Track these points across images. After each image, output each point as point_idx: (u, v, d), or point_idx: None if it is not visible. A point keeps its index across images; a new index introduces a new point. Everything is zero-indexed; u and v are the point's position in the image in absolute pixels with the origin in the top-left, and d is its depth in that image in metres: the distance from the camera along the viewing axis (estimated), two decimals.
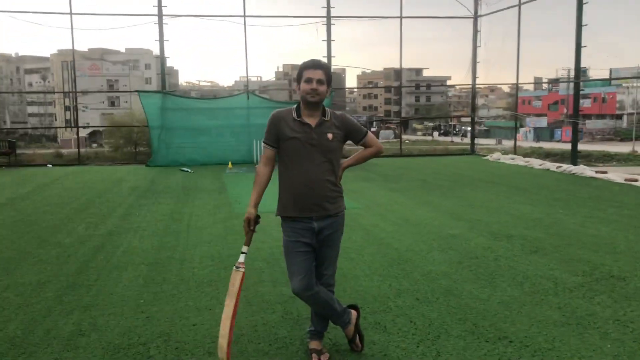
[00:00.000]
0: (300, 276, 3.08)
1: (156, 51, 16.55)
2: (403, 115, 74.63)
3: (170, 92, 17.27)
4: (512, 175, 12.18)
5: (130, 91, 27.73)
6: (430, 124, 75.08)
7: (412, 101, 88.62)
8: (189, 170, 14.00)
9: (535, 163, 14.02)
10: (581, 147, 24.87)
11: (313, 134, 3.11)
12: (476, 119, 18.99)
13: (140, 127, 22.32)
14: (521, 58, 16.24)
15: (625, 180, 10.58)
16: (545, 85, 74.52)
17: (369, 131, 3.35)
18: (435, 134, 69.43)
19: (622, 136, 58.01)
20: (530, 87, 71.30)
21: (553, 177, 11.94)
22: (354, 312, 3.41)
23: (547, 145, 47.61)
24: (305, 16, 17.54)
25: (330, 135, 3.14)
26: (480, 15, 17.04)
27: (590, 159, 32.70)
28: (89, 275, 5.08)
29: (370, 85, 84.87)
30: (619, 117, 66.16)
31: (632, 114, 62.61)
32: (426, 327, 3.75)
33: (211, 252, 5.86)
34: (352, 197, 9.09)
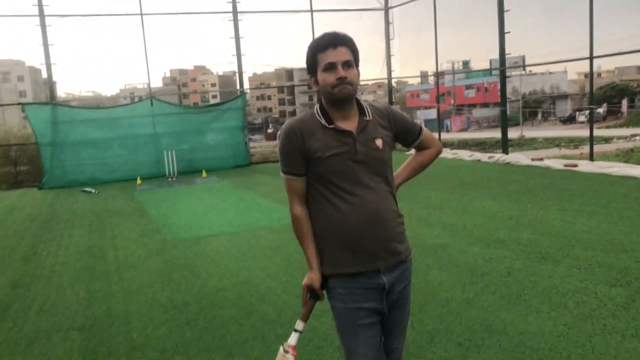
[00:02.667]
0: None
1: (29, 62, 14.38)
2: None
3: (62, 103, 15.15)
4: (450, 169, 11.70)
5: (11, 104, 24.40)
6: None
7: (306, 101, 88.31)
8: (93, 191, 12.19)
9: (464, 155, 13.74)
10: (471, 135, 25.67)
11: (358, 144, 2.06)
12: None
13: (20, 145, 19.61)
14: (412, 51, 15.93)
15: (565, 166, 10.39)
16: (431, 78, 77.61)
17: (423, 127, 2.34)
18: None
19: (508, 122, 61.41)
20: (416, 81, 73.91)
21: (491, 168, 11.59)
22: None
23: (442, 136, 49.26)
24: (209, 12, 16.09)
25: (379, 142, 2.11)
26: (392, 7, 16.58)
27: (485, 145, 33.89)
28: None
29: (263, 86, 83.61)
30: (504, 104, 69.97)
31: (514, 100, 66.75)
32: None
33: (160, 299, 4.58)
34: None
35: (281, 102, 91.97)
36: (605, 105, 54.84)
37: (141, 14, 14.62)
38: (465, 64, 67.41)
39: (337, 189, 2.08)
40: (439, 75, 17.20)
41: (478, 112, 70.16)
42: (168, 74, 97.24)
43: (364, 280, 2.06)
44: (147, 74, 14.98)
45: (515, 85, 67.78)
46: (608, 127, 47.81)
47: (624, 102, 57.36)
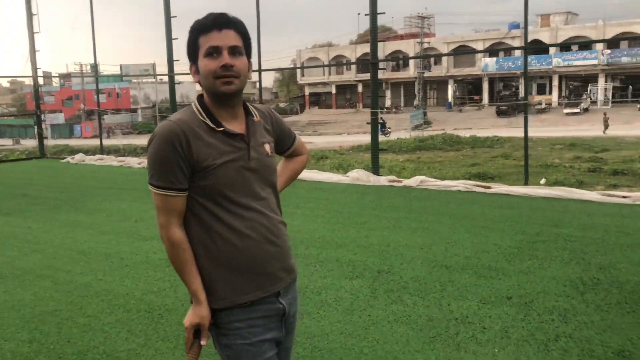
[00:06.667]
0: None
1: None
2: None
3: None
4: (120, 176, 10.99)
5: None
6: None
7: None
8: None
9: (133, 162, 13.09)
10: (107, 142, 25.02)
11: (251, 150, 1.77)
12: None
13: None
14: None
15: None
16: (56, 81, 71.99)
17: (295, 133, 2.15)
18: None
19: (140, 129, 61.93)
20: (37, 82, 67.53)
21: None
22: None
23: (72, 142, 46.17)
24: None
25: (268, 147, 1.86)
26: None
27: (122, 152, 33.21)
28: None
29: None
30: (134, 111, 69.72)
31: (145, 107, 67.39)
32: None
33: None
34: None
35: None
36: None
37: None
38: (93, 67, 64.87)
39: (230, 204, 1.72)
40: (72, 76, 15.98)
41: (110, 118, 68.27)
42: None
43: (263, 307, 1.77)
44: None
45: (148, 92, 68.65)
46: None
47: None
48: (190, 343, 1.70)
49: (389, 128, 36.08)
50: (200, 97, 1.78)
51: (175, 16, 11.86)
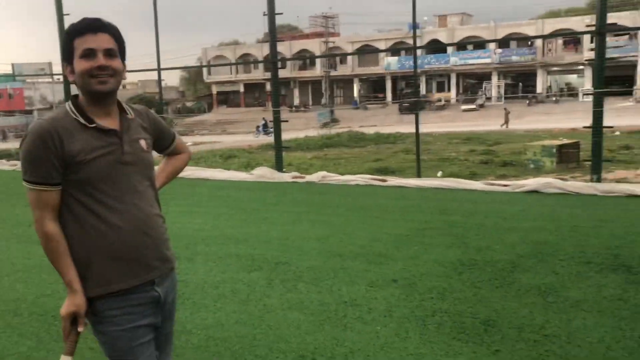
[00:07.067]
0: None
1: None
2: None
3: None
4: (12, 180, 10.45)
5: None
6: None
7: None
8: None
9: None
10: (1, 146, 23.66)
11: (124, 145, 1.89)
12: None
13: None
14: None
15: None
16: None
17: (176, 133, 2.28)
18: None
19: None
20: None
21: None
22: None
23: None
24: None
25: (144, 143, 1.98)
26: None
27: (16, 157, 31.33)
28: None
29: None
30: (30, 112, 65.79)
31: (42, 109, 63.65)
32: None
33: None
34: None
35: None
36: None
37: None
38: None
39: (104, 196, 1.83)
40: None
41: (2, 121, 64.00)
42: None
43: (138, 295, 1.89)
44: None
45: (44, 92, 65.08)
46: None
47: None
48: (68, 331, 1.79)
49: (271, 128, 36.59)
50: (74, 97, 1.87)
51: (69, 14, 11.45)
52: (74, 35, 1.80)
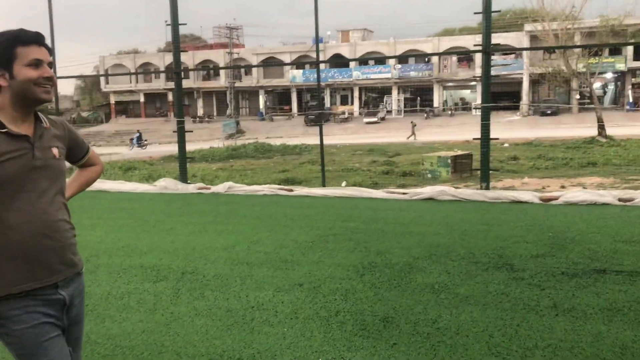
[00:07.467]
0: None
1: None
2: None
3: None
4: None
5: None
6: None
7: None
8: None
9: None
10: None
11: (36, 150, 1.94)
12: None
13: None
14: None
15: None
16: None
17: (89, 144, 2.34)
18: None
19: None
20: None
21: None
22: None
23: None
24: None
25: (56, 151, 2.05)
26: None
27: None
28: None
29: None
30: None
31: None
32: None
33: None
34: None
35: None
36: None
37: None
38: None
39: (7, 199, 1.89)
40: None
41: None
42: None
43: (41, 297, 1.93)
44: None
45: None
46: None
47: None
48: None
49: (146, 140, 37.20)
50: None
51: None
52: (16, 43, 1.87)
